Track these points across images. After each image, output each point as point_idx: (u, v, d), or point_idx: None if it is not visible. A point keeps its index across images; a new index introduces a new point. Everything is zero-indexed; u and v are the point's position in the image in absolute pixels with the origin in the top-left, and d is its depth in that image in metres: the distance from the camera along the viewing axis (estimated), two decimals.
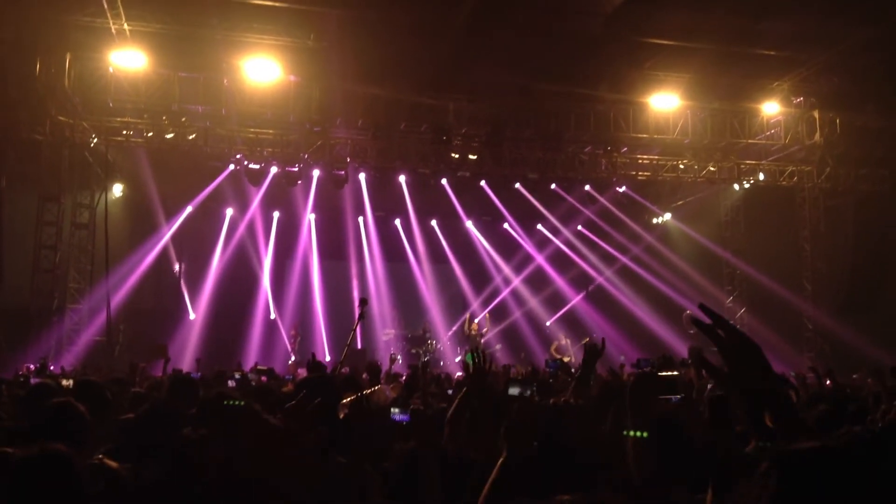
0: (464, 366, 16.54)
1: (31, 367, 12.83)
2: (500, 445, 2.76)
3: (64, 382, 6.15)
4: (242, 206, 19.93)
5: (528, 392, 3.34)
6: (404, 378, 11.17)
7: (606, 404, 4.97)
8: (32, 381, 8.04)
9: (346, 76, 15.88)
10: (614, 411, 3.99)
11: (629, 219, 21.49)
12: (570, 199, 20.15)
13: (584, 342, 20.13)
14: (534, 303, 22.06)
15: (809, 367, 11.60)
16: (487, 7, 13.41)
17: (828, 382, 10.21)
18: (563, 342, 19.75)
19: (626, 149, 18.87)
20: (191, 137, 16.51)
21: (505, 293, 22.29)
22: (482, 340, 19.59)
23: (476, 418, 3.69)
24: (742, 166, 19.28)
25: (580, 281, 21.88)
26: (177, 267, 19.06)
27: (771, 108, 18.21)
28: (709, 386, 6.57)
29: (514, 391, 3.35)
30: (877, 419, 5.35)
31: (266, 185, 18.15)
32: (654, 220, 22.30)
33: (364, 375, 9.26)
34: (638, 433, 3.09)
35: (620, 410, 3.74)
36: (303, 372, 13.94)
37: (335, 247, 21.53)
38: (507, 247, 22.50)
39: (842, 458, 1.50)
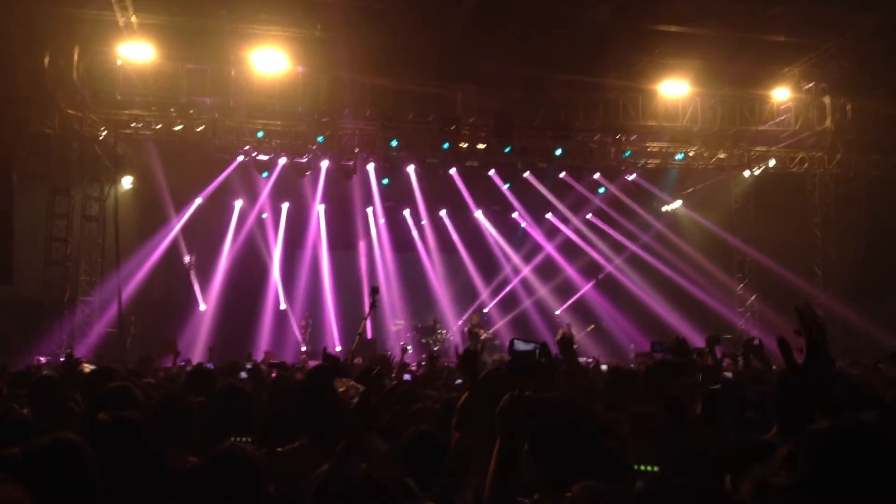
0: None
1: (42, 359, 12.93)
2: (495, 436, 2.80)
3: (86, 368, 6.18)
4: (252, 198, 19.97)
5: (535, 350, 3.33)
6: (418, 367, 11.23)
7: (616, 391, 4.98)
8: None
9: (354, 66, 15.85)
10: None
11: (639, 207, 21.44)
12: (579, 187, 20.11)
13: (589, 328, 20.25)
14: (543, 292, 22.05)
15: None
16: None
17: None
18: (569, 331, 19.76)
19: (635, 136, 18.79)
20: (199, 129, 16.53)
21: (514, 282, 22.29)
22: (484, 336, 19.68)
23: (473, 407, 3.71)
24: (752, 153, 19.16)
25: (590, 269, 21.84)
26: (187, 258, 19.13)
27: (781, 95, 18.08)
28: (727, 374, 6.56)
29: (520, 347, 3.35)
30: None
31: (275, 177, 18.18)
32: (664, 208, 22.23)
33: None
34: (648, 468, 3.12)
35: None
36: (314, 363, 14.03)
37: (344, 237, 21.56)
38: (516, 236, 22.49)
39: (857, 431, 1.65)
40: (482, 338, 19.72)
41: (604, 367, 9.94)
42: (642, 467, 3.12)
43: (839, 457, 1.60)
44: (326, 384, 3.76)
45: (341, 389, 3.77)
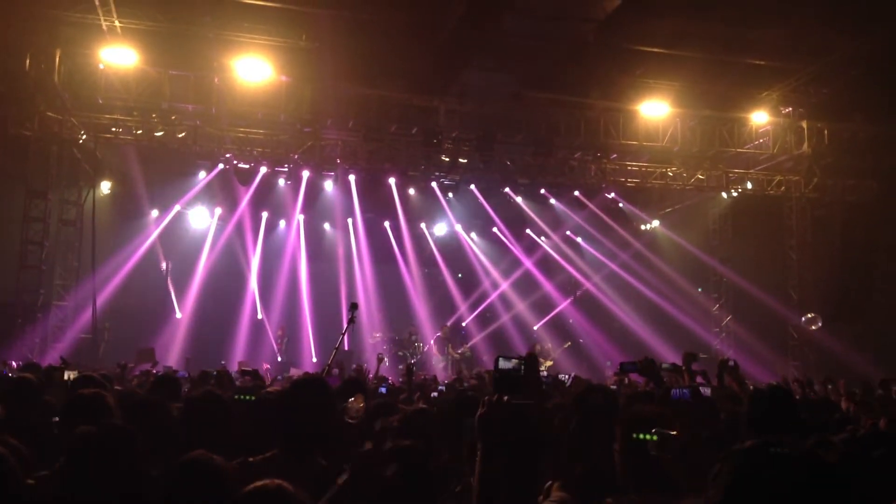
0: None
1: (14, 363, 12.73)
2: (474, 439, 2.83)
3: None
4: (231, 206, 19.83)
5: (519, 367, 3.35)
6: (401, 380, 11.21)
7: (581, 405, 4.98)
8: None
9: (338, 77, 15.87)
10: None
11: (617, 225, 21.53)
12: (559, 204, 20.19)
13: (565, 346, 20.31)
14: (521, 307, 22.06)
15: (784, 379, 11.66)
16: (480, 10, 13.43)
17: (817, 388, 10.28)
18: (547, 346, 19.82)
19: (615, 155, 18.93)
20: (180, 136, 16.46)
21: (493, 297, 22.29)
22: (458, 352, 19.74)
23: None
24: (730, 175, 19.36)
25: (568, 286, 21.91)
26: (163, 265, 18.96)
27: (760, 118, 18.31)
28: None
29: (503, 364, 3.37)
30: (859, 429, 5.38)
31: (255, 186, 18.10)
32: (643, 227, 22.35)
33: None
34: (647, 436, 3.11)
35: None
36: (296, 371, 13.97)
37: (323, 248, 21.47)
38: (495, 251, 22.52)
39: (780, 452, 1.68)
40: (458, 352, 19.76)
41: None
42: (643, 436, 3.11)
43: (755, 477, 1.63)
44: (316, 396, 3.75)
45: (360, 405, 3.77)
